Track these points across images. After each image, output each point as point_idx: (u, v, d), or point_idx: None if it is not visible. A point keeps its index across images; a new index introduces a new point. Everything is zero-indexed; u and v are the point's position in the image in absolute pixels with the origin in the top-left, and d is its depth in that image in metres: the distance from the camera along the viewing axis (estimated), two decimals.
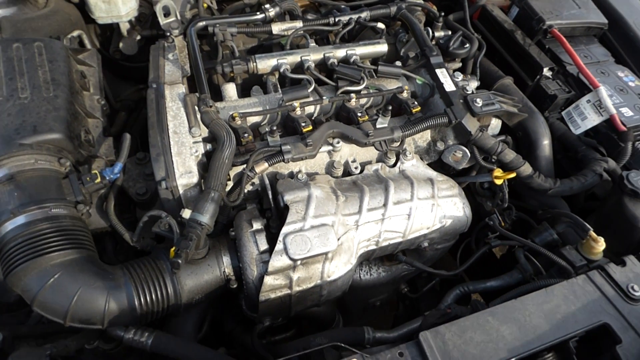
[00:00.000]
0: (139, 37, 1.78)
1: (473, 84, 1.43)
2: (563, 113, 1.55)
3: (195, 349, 1.06)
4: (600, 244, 1.11)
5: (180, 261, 0.92)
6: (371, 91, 1.40)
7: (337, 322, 1.49)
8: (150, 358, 1.20)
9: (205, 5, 1.62)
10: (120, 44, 1.75)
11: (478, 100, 1.33)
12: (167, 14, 1.55)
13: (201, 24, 1.44)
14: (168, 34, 1.44)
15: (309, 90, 1.31)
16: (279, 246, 1.03)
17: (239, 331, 1.39)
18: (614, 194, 1.30)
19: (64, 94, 1.11)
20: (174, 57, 1.39)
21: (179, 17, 1.58)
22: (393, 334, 1.24)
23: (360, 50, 1.46)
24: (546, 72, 1.55)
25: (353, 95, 1.32)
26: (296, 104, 1.26)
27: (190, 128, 1.16)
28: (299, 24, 1.52)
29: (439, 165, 1.46)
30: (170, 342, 1.04)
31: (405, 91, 1.38)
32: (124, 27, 1.71)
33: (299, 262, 1.04)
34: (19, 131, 1.01)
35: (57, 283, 0.90)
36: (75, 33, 1.53)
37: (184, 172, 1.09)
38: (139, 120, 1.94)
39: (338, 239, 1.08)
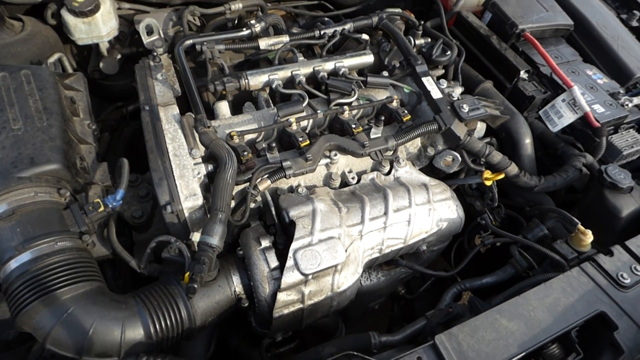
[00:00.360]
0: (119, 56, 1.75)
1: (458, 90, 1.48)
2: (540, 112, 1.63)
3: None
4: (589, 237, 1.19)
5: (196, 286, 0.92)
6: (362, 102, 1.44)
7: (341, 330, 1.51)
8: None
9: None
10: (101, 64, 1.72)
11: (464, 106, 1.39)
12: (150, 32, 1.54)
13: (188, 42, 1.43)
14: (155, 53, 1.42)
15: (304, 105, 1.33)
16: (289, 262, 1.05)
17: (245, 347, 1.39)
18: (594, 188, 1.38)
19: (57, 122, 1.09)
20: (162, 77, 1.38)
21: (162, 35, 1.57)
22: (398, 337, 1.28)
23: (348, 62, 1.50)
24: (523, 74, 1.64)
25: (346, 107, 1.35)
26: (292, 119, 1.28)
27: (190, 150, 1.16)
28: (285, 38, 1.53)
29: (430, 169, 1.51)
30: None
31: (395, 101, 1.43)
32: (104, 46, 1.68)
33: (310, 277, 1.06)
34: (16, 164, 0.98)
35: (71, 318, 0.88)
36: (56, 56, 1.49)
37: (189, 195, 1.09)
38: (121, 140, 1.91)
39: (345, 250, 1.11)
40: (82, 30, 1.53)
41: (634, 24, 2.02)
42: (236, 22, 1.80)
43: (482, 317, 0.97)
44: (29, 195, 0.97)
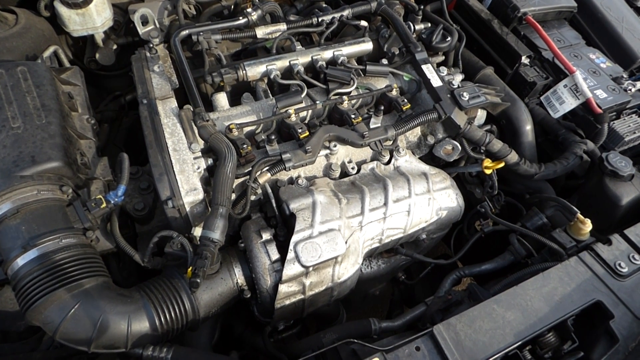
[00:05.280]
0: (115, 47, 1.73)
1: (458, 78, 1.47)
2: (542, 98, 1.62)
3: (212, 359, 1.10)
4: (588, 225, 1.19)
5: (199, 280, 0.94)
6: (361, 91, 1.43)
7: (342, 316, 1.54)
8: None
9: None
10: (97, 55, 1.70)
11: (465, 94, 1.38)
12: (145, 23, 1.52)
13: (184, 32, 1.41)
14: (151, 44, 1.41)
15: (302, 95, 1.32)
16: (290, 255, 1.07)
17: (248, 334, 1.43)
18: (595, 175, 1.38)
19: (56, 119, 1.09)
20: (159, 69, 1.37)
21: (157, 25, 1.55)
22: (398, 323, 1.31)
23: (346, 50, 1.48)
24: (524, 60, 1.61)
25: (345, 97, 1.35)
26: (291, 110, 1.27)
27: (189, 144, 1.16)
28: (282, 26, 1.51)
29: (430, 157, 1.51)
30: (188, 355, 1.06)
31: (394, 89, 1.42)
32: (99, 37, 1.66)
33: (310, 269, 1.08)
34: (18, 163, 0.98)
35: (79, 313, 0.90)
36: (51, 49, 1.48)
37: (189, 190, 1.10)
38: (121, 130, 1.91)
39: (345, 242, 1.12)
40: (77, 22, 1.51)
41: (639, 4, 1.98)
42: (232, 8, 1.77)
43: (480, 307, 0.99)
44: (32, 194, 0.98)
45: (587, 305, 1.01)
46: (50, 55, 1.46)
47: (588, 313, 1.02)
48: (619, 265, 1.08)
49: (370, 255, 1.38)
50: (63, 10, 1.46)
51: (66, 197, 1.04)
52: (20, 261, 0.92)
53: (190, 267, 0.97)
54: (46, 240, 0.94)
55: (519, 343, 0.95)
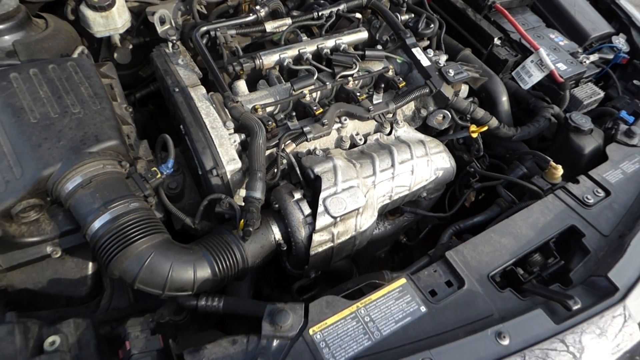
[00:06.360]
0: (130, 46, 1.88)
1: (443, 58, 1.70)
2: (513, 73, 1.87)
3: (257, 304, 1.27)
4: (559, 170, 1.44)
5: (251, 229, 1.12)
6: (362, 74, 1.64)
7: (355, 273, 1.74)
8: (204, 324, 1.39)
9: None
10: (115, 54, 1.85)
11: (450, 70, 1.61)
12: (162, 22, 1.69)
13: (203, 29, 1.59)
14: (172, 41, 1.58)
15: (314, 78, 1.52)
16: (320, 208, 1.26)
17: (276, 294, 1.61)
18: (562, 133, 1.64)
19: (108, 105, 1.25)
20: (183, 62, 1.54)
21: (174, 24, 1.72)
22: (407, 272, 1.52)
23: (346, 39, 1.69)
24: (496, 41, 1.87)
25: (350, 78, 1.55)
26: (306, 91, 1.47)
27: (224, 122, 1.34)
28: (287, 20, 1.71)
29: (423, 128, 1.74)
30: (236, 302, 1.23)
31: (390, 70, 1.64)
32: (117, 37, 1.80)
33: (338, 219, 1.27)
34: (84, 141, 1.14)
35: (153, 262, 1.06)
36: (80, 49, 1.62)
37: (229, 160, 1.28)
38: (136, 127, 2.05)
39: (364, 196, 1.32)
40: (100, 24, 1.66)
41: None
42: (236, 8, 1.96)
43: (481, 236, 1.21)
44: (99, 167, 1.14)
45: (564, 229, 1.25)
46: (79, 54, 1.60)
47: (565, 236, 1.26)
48: (586, 197, 1.33)
49: (381, 214, 1.58)
50: (89, 13, 1.60)
51: (124, 171, 1.21)
52: (97, 223, 1.08)
53: (242, 220, 1.15)
54: (117, 204, 1.10)
55: (513, 260, 1.17)
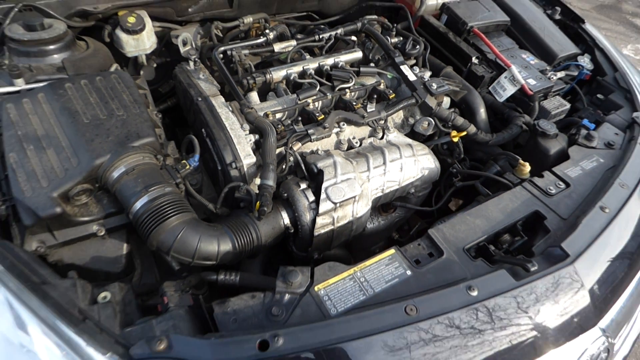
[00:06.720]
0: (155, 65, 2.15)
1: (427, 74, 1.97)
2: (490, 88, 2.14)
3: (268, 278, 1.48)
4: (527, 167, 1.68)
5: (266, 209, 1.35)
6: (357, 86, 1.90)
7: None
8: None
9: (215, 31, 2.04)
10: (142, 72, 2.11)
11: (433, 84, 1.88)
12: (185, 44, 1.96)
13: (222, 48, 1.86)
14: (193, 60, 1.85)
15: (317, 89, 1.78)
16: (323, 196, 1.49)
17: None
18: (531, 138, 1.89)
19: (145, 109, 1.49)
20: (204, 76, 1.81)
21: (194, 46, 1.99)
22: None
23: (344, 58, 1.96)
24: (474, 60, 2.15)
25: (347, 90, 1.81)
26: (310, 100, 1.73)
27: (241, 125, 1.59)
28: (293, 42, 1.99)
29: (411, 134, 1.98)
30: (250, 277, 1.44)
31: (381, 84, 1.90)
32: (143, 57, 2.07)
33: (338, 205, 1.50)
34: (128, 137, 1.38)
35: (184, 235, 1.28)
36: (114, 66, 1.88)
37: (246, 155, 1.52)
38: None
39: (360, 187, 1.56)
40: (132, 45, 1.93)
41: (557, 17, 2.58)
42: (246, 32, 2.24)
43: (458, 217, 1.44)
44: (139, 159, 1.37)
45: (529, 213, 1.48)
46: (115, 70, 1.86)
47: (530, 219, 1.49)
48: (549, 188, 1.56)
49: (375, 206, 1.81)
50: (123, 36, 1.87)
51: (159, 163, 1.44)
52: (139, 203, 1.30)
53: (258, 202, 1.38)
54: (155, 188, 1.32)
55: (485, 237, 1.39)
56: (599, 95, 2.21)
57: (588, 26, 2.54)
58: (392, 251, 1.32)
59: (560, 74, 2.21)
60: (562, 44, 2.34)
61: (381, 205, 1.93)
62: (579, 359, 1.23)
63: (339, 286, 1.21)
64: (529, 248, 1.40)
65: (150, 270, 1.53)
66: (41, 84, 1.52)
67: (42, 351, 1.02)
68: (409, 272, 1.26)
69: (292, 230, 1.53)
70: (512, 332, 1.15)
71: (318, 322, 1.09)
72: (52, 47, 1.69)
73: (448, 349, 1.08)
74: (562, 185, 1.59)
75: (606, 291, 1.29)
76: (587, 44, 2.45)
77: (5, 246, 1.15)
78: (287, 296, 1.18)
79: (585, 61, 2.31)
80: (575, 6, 7.06)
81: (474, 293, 1.16)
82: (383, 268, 1.27)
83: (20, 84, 1.54)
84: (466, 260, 1.31)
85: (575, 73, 2.26)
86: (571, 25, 2.55)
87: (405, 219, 2.06)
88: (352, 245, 1.88)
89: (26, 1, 1.76)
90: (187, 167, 1.45)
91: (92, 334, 1.03)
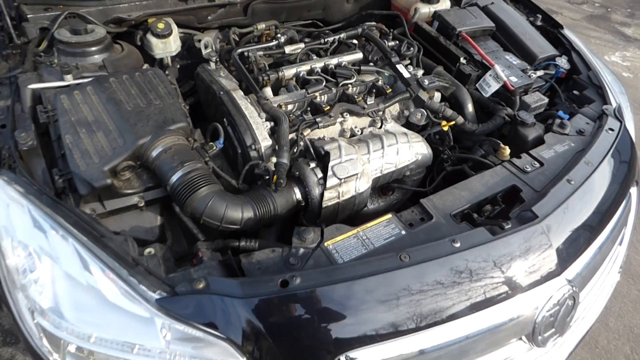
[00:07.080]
0: (178, 66, 2.41)
1: (420, 72, 2.23)
2: (476, 85, 2.40)
3: (283, 245, 1.71)
4: (507, 150, 1.93)
5: (282, 181, 1.59)
6: (358, 83, 2.16)
7: None
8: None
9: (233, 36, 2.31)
10: (166, 72, 2.37)
11: (426, 80, 2.13)
12: (206, 47, 2.22)
13: (239, 50, 2.12)
14: (214, 61, 2.11)
15: (323, 84, 2.04)
16: (329, 173, 1.73)
17: None
18: (513, 127, 2.14)
19: (177, 100, 1.75)
20: (224, 74, 2.07)
21: (214, 49, 2.25)
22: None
23: (346, 58, 2.23)
24: (462, 60, 2.41)
25: (349, 86, 2.07)
26: (317, 94, 1.98)
27: (258, 114, 1.84)
28: (301, 45, 2.25)
29: (407, 125, 2.23)
30: (268, 243, 1.66)
31: (380, 81, 2.16)
32: (168, 59, 2.33)
33: (342, 180, 1.74)
34: (165, 122, 1.63)
35: (214, 203, 1.52)
36: (145, 65, 2.14)
37: (263, 138, 1.77)
38: None
39: (361, 166, 1.80)
40: (160, 48, 2.19)
41: (538, 23, 2.85)
42: (259, 37, 2.51)
43: (446, 190, 1.68)
44: (174, 140, 1.62)
45: (507, 187, 1.72)
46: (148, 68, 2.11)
47: (508, 191, 1.73)
48: (526, 167, 1.80)
49: (374, 187, 2.05)
50: (153, 40, 2.14)
51: (190, 144, 1.69)
52: (175, 176, 1.54)
53: (275, 176, 1.62)
54: (189, 164, 1.57)
55: (469, 205, 1.63)
56: (574, 92, 2.46)
57: (566, 31, 2.81)
58: (389, 216, 1.56)
59: (540, 73, 2.47)
60: (542, 47, 2.60)
61: (380, 188, 2.17)
62: (546, 303, 1.46)
63: (344, 242, 1.45)
64: (506, 214, 1.63)
65: (180, 240, 1.77)
66: (87, 79, 1.78)
67: (105, 288, 1.26)
68: (403, 232, 1.50)
69: (303, 204, 1.77)
70: (485, 283, 1.38)
71: (328, 266, 1.33)
72: (94, 48, 1.95)
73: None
74: (537, 165, 1.83)
75: (570, 248, 1.53)
76: (565, 47, 2.71)
77: (70, 208, 1.39)
78: (301, 250, 1.42)
79: (562, 62, 2.57)
80: (566, 16, 7.37)
81: (457, 244, 1.39)
82: (382, 229, 1.51)
83: (69, 80, 1.79)
84: (452, 223, 1.55)
85: (554, 72, 2.52)
86: (551, 30, 2.82)
87: (402, 202, 2.30)
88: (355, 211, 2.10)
89: (71, 10, 2.03)
90: (214, 147, 1.70)
91: (144, 275, 1.27)
